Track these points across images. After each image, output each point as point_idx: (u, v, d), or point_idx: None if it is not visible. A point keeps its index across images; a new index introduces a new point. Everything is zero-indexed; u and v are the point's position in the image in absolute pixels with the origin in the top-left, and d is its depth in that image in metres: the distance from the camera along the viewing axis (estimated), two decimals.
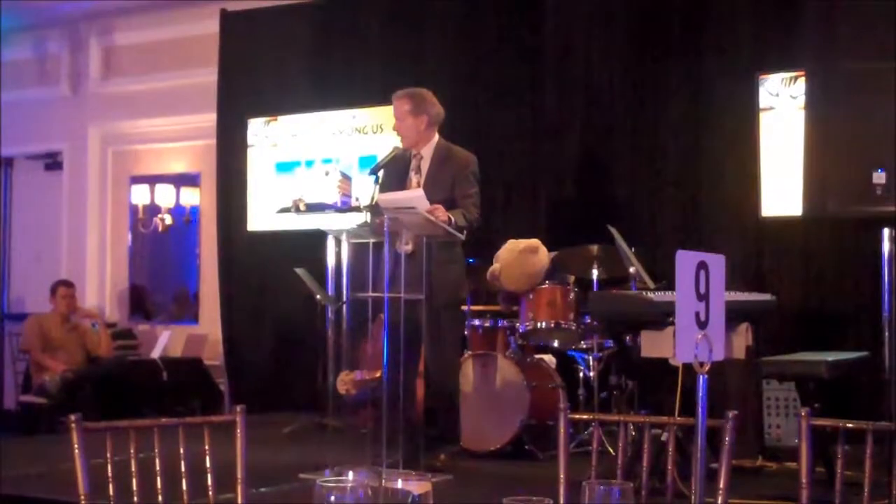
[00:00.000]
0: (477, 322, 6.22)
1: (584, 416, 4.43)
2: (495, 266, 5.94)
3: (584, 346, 6.00)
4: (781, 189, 6.22)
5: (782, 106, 6.34)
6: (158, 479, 2.34)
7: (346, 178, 6.28)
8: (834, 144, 4.56)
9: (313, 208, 6.67)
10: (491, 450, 5.72)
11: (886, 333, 4.90)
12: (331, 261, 7.33)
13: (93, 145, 9.85)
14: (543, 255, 5.94)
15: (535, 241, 5.95)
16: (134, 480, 2.31)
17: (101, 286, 9.75)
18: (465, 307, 6.03)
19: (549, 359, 6.21)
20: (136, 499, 2.33)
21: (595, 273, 6.06)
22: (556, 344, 6.14)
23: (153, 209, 9.40)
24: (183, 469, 2.34)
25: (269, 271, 8.28)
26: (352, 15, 8.23)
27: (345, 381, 6.39)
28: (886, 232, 4.80)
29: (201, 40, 8.87)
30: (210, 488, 2.35)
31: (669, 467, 2.39)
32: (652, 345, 4.47)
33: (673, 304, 1.98)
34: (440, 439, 5.40)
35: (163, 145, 9.54)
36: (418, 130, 5.42)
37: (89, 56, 9.84)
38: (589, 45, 7.25)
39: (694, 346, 1.95)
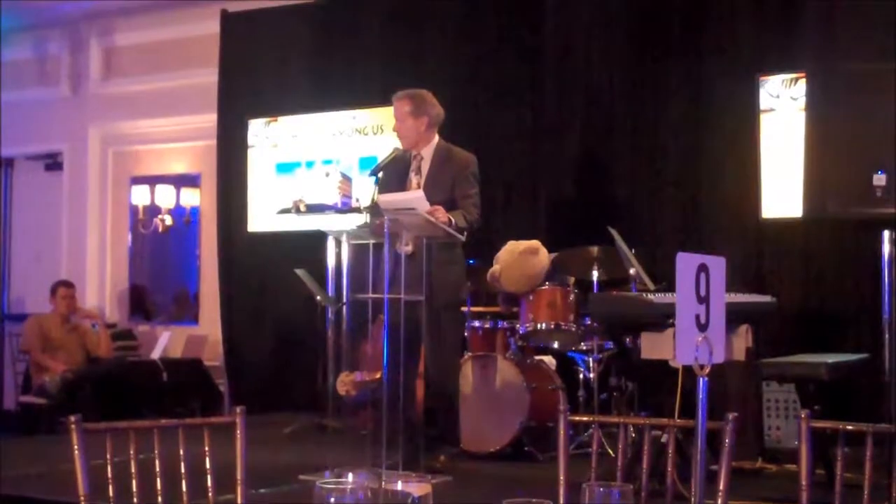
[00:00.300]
0: (477, 323, 6.22)
1: (584, 418, 4.43)
2: (495, 267, 5.94)
3: (584, 348, 5.99)
4: (782, 190, 6.22)
5: (783, 107, 6.34)
6: (158, 480, 2.34)
7: (347, 179, 6.27)
8: (834, 146, 4.56)
9: (313, 209, 6.67)
10: (491, 451, 5.71)
11: (886, 335, 4.90)
12: (331, 262, 7.33)
13: (93, 146, 9.85)
14: (543, 257, 5.93)
15: (535, 243, 5.94)
16: (134, 481, 2.31)
17: (102, 287, 9.76)
18: (465, 308, 6.03)
19: (549, 360, 6.21)
20: (135, 500, 2.33)
21: (595, 274, 6.05)
22: (556, 345, 6.14)
23: (153, 210, 9.40)
24: (183, 470, 2.34)
25: (269, 272, 8.28)
26: (352, 16, 8.23)
27: (345, 383, 6.38)
28: (886, 234, 4.80)
29: (202, 41, 8.88)
30: (210, 489, 2.35)
31: (669, 469, 2.39)
32: (652, 346, 4.46)
33: (673, 305, 1.97)
34: (440, 440, 5.40)
35: (163, 146, 9.54)
36: (419, 131, 5.42)
37: (90, 56, 9.85)
38: (589, 45, 7.25)
39: (694, 348, 1.95)
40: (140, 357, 8.83)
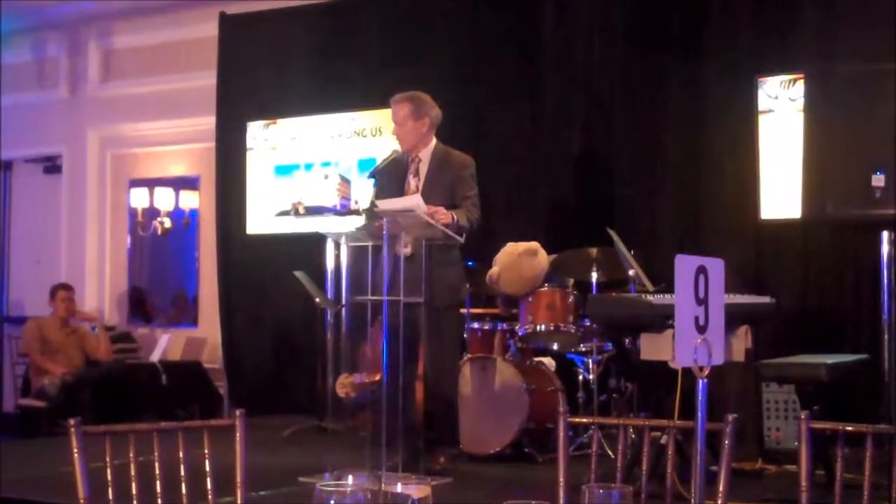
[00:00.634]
0: (476, 325, 6.22)
1: (584, 420, 4.44)
2: (494, 269, 5.93)
3: (584, 349, 5.99)
4: (781, 191, 6.22)
5: (781, 108, 6.34)
6: (158, 482, 2.34)
7: (346, 182, 6.26)
8: (833, 147, 4.57)
9: (312, 211, 6.67)
10: (490, 453, 5.71)
11: (886, 336, 4.91)
12: (330, 264, 7.34)
13: (92, 148, 9.84)
14: (543, 258, 5.93)
15: (534, 244, 5.94)
16: (133, 484, 2.31)
17: (101, 289, 9.75)
18: (464, 310, 6.03)
19: (549, 362, 6.21)
20: (135, 503, 2.33)
21: (594, 276, 6.05)
22: (555, 347, 6.14)
23: (152, 212, 9.39)
24: (182, 472, 2.34)
25: (268, 274, 8.27)
26: (351, 18, 8.23)
27: (344, 385, 6.37)
28: (885, 234, 4.81)
29: (200, 43, 8.87)
30: (209, 492, 2.35)
31: (669, 470, 2.39)
32: (651, 347, 4.46)
33: (672, 306, 1.97)
34: (439, 442, 5.39)
35: (162, 148, 9.54)
36: (419, 134, 5.41)
37: (88, 59, 9.84)
38: (589, 45, 7.24)
39: (693, 350, 1.95)
40: (139, 359, 8.83)
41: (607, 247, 5.55)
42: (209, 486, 2.35)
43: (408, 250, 5.12)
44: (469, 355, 5.98)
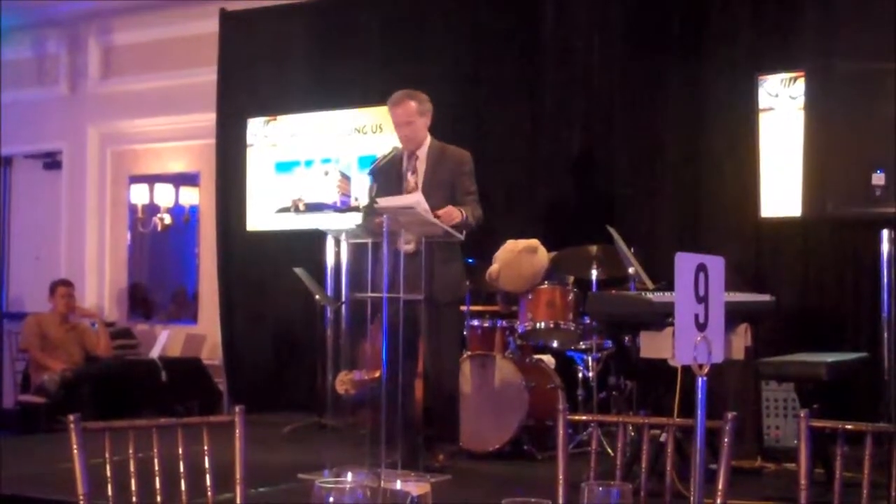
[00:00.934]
0: (476, 322, 6.22)
1: (583, 417, 4.44)
2: (494, 266, 5.93)
3: (583, 347, 5.99)
4: (781, 190, 6.22)
5: (782, 106, 6.34)
6: (157, 479, 2.34)
7: (346, 178, 6.28)
8: (833, 145, 4.57)
9: (312, 208, 6.68)
10: (490, 450, 5.71)
11: (885, 334, 4.91)
12: (330, 260, 7.33)
13: (92, 145, 9.84)
14: (542, 256, 5.93)
15: (534, 242, 5.94)
16: (133, 480, 2.31)
17: (100, 285, 9.75)
18: (464, 307, 6.03)
19: (548, 359, 6.21)
20: (134, 499, 2.33)
21: (594, 273, 6.05)
22: (555, 344, 6.14)
23: (152, 208, 9.40)
24: (182, 469, 2.34)
25: (268, 271, 8.28)
26: (351, 14, 8.23)
27: (344, 382, 6.38)
28: (885, 233, 4.81)
29: (201, 40, 8.87)
30: (209, 488, 2.35)
31: (668, 468, 2.39)
32: (651, 345, 4.46)
33: (672, 304, 1.97)
34: (439, 439, 5.39)
35: (162, 145, 9.54)
36: (425, 130, 5.43)
37: (88, 55, 9.84)
38: (589, 45, 7.24)
39: (693, 348, 1.95)
40: (139, 356, 8.83)
41: (607, 244, 5.55)
42: (208, 482, 2.35)
43: (411, 247, 5.12)
44: (469, 352, 5.98)
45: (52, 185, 10.16)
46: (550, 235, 6.43)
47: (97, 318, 8.82)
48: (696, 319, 1.97)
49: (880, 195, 4.35)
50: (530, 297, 5.92)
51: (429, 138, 5.48)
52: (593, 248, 6.03)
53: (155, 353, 8.44)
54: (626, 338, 5.58)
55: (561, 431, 2.40)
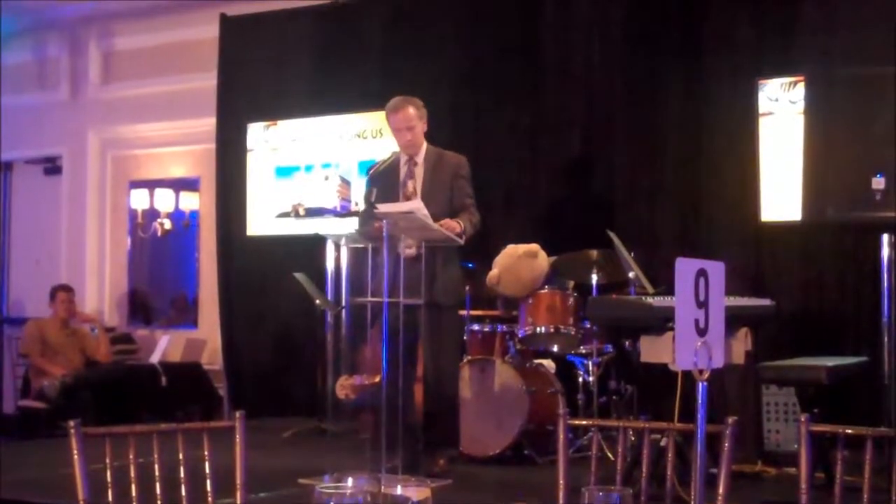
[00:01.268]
0: (476, 327, 6.22)
1: (584, 422, 4.44)
2: (494, 271, 5.93)
3: (584, 351, 5.99)
4: (781, 194, 6.21)
5: (782, 111, 6.34)
6: (158, 484, 2.34)
7: (346, 183, 6.26)
8: (833, 149, 4.56)
9: (312, 213, 6.68)
10: (490, 455, 5.71)
11: (886, 338, 4.90)
12: (330, 265, 7.33)
13: (92, 149, 9.84)
14: (543, 260, 5.93)
15: (534, 246, 5.94)
16: (133, 486, 2.31)
17: (101, 291, 9.75)
18: (464, 311, 6.03)
19: (549, 364, 6.21)
20: None
21: (594, 278, 6.05)
22: (555, 349, 6.13)
23: (152, 213, 9.39)
24: (182, 474, 2.34)
25: (268, 276, 8.27)
26: (351, 19, 8.23)
27: (344, 386, 6.38)
28: (885, 237, 4.81)
29: (201, 45, 8.88)
30: (209, 493, 2.35)
31: (669, 473, 2.39)
32: (651, 350, 4.46)
33: (672, 309, 1.98)
34: (439, 444, 5.39)
35: (162, 149, 9.54)
36: (422, 135, 5.43)
37: (89, 60, 9.84)
38: (589, 46, 7.25)
39: (693, 353, 1.95)
40: (139, 361, 8.83)
41: (607, 249, 5.55)
42: (209, 487, 2.35)
43: (412, 251, 5.12)
44: (469, 357, 5.98)
45: (53, 190, 10.16)
46: (550, 240, 6.43)
47: (97, 323, 8.82)
48: (696, 324, 1.97)
49: (880, 199, 4.35)
50: (530, 301, 5.92)
51: (425, 143, 5.48)
52: (593, 253, 6.03)
53: (155, 359, 8.44)
54: (627, 342, 5.58)
55: (561, 436, 2.40)
